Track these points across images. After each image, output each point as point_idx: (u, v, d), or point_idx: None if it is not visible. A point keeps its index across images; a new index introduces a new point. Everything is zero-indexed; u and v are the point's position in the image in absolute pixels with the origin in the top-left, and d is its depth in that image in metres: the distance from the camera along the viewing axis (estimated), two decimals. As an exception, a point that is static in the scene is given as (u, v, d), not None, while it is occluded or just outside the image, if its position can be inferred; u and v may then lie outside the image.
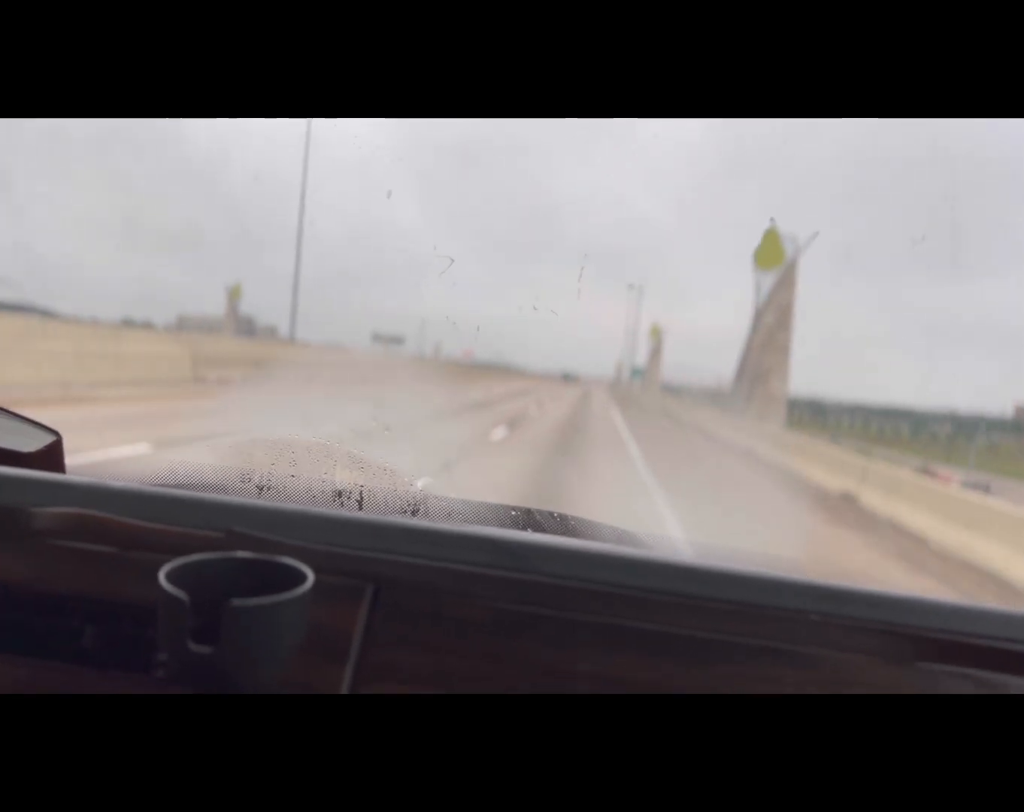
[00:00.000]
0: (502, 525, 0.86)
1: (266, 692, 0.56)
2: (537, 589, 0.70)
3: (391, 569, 0.71)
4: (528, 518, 0.89)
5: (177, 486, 0.82)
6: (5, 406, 0.85)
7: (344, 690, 0.64)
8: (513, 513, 0.89)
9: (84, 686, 0.64)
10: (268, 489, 0.84)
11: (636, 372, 40.39)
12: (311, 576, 0.58)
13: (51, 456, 0.84)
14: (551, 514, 0.90)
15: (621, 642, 0.68)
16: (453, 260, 0.92)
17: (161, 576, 0.55)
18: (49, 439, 0.84)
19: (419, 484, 0.90)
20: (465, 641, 0.67)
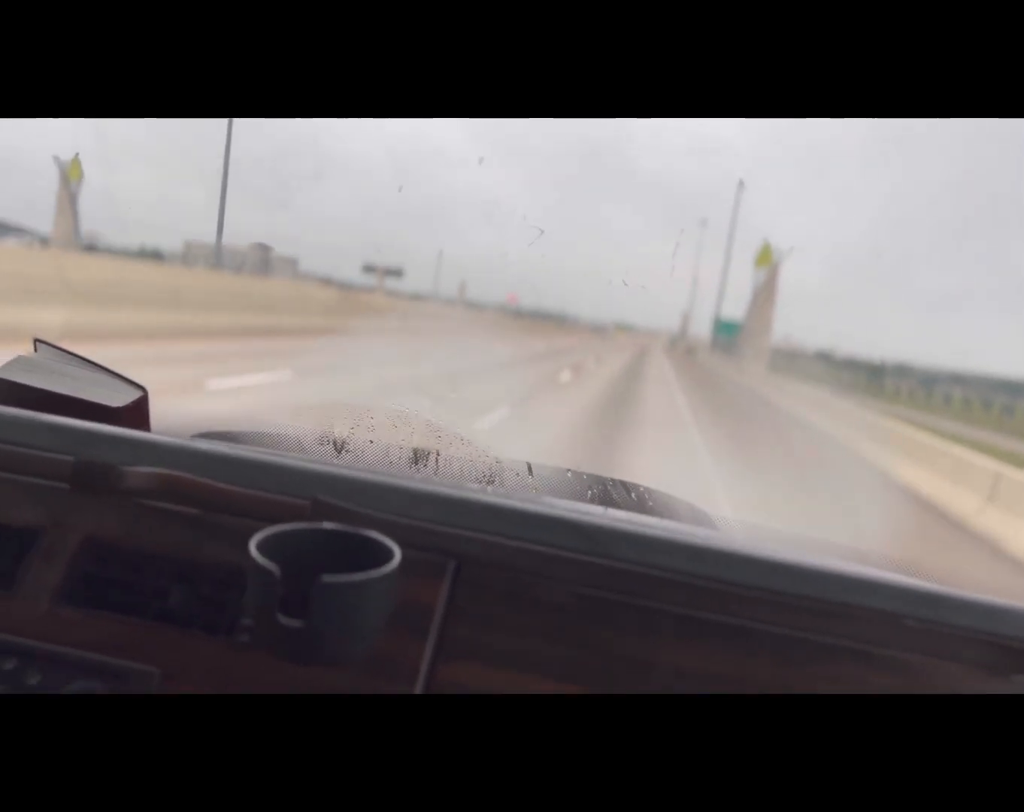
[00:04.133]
0: (577, 496, 0.98)
1: (352, 663, 0.67)
2: (617, 575, 0.77)
3: (472, 546, 0.79)
4: (603, 491, 1.00)
5: (257, 441, 0.94)
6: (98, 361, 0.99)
7: (424, 666, 0.73)
8: (589, 487, 1.00)
9: (169, 645, 0.75)
10: (346, 453, 0.97)
11: (726, 327, 31.13)
12: (398, 552, 0.65)
13: (138, 412, 0.97)
14: (626, 488, 1.01)
15: (702, 635, 0.74)
16: (543, 231, 1.02)
17: (252, 546, 0.62)
18: (136, 394, 0.98)
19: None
20: (545, 624, 0.75)
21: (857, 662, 0.73)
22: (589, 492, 1.01)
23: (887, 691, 0.71)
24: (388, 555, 0.65)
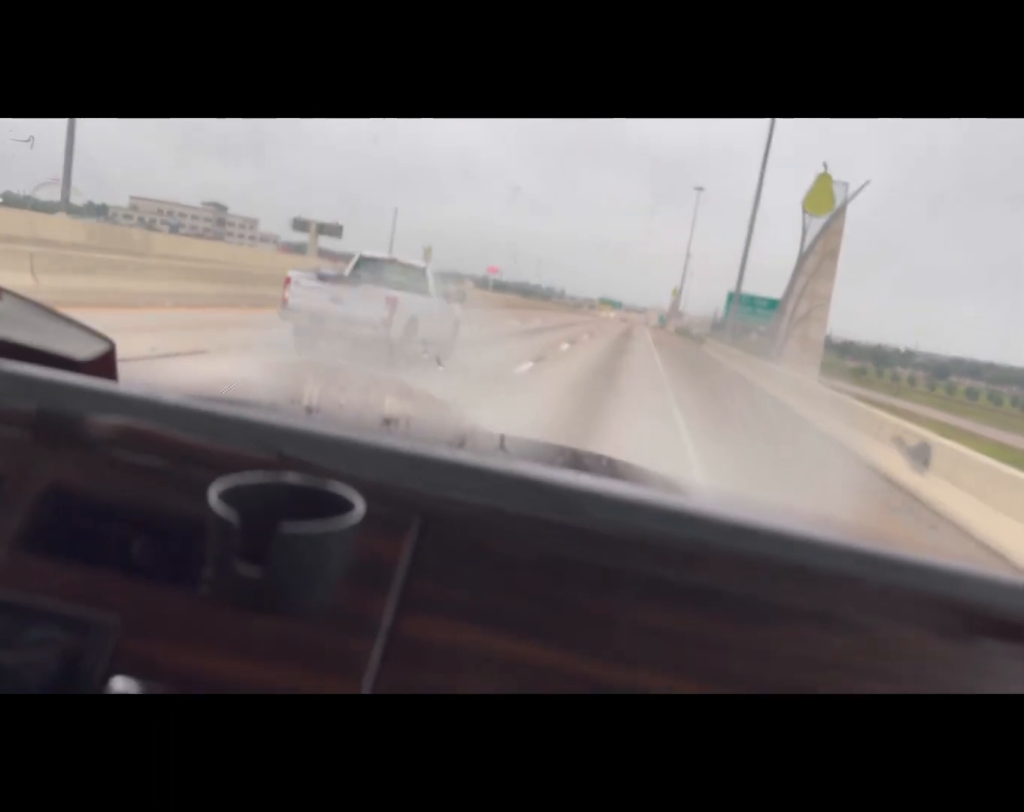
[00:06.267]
0: (548, 464, 1.06)
1: (312, 614, 0.72)
2: (583, 535, 0.83)
3: (438, 503, 0.85)
4: (575, 459, 1.08)
5: (228, 402, 1.01)
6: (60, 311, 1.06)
7: (386, 620, 0.79)
8: (560, 453, 1.09)
9: (130, 596, 0.80)
10: (317, 412, 1.04)
11: (751, 303, 24.38)
12: (361, 505, 0.70)
13: (104, 364, 1.03)
14: (598, 457, 1.10)
15: (665, 594, 0.81)
16: (520, 187, 1.09)
17: (212, 495, 0.67)
18: (103, 346, 1.04)
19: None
20: (510, 581, 0.81)
21: (817, 623, 0.80)
22: (559, 459, 1.09)
23: (846, 651, 0.78)
24: (351, 507, 0.70)
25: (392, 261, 11.88)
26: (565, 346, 18.26)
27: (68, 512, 0.85)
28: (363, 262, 11.91)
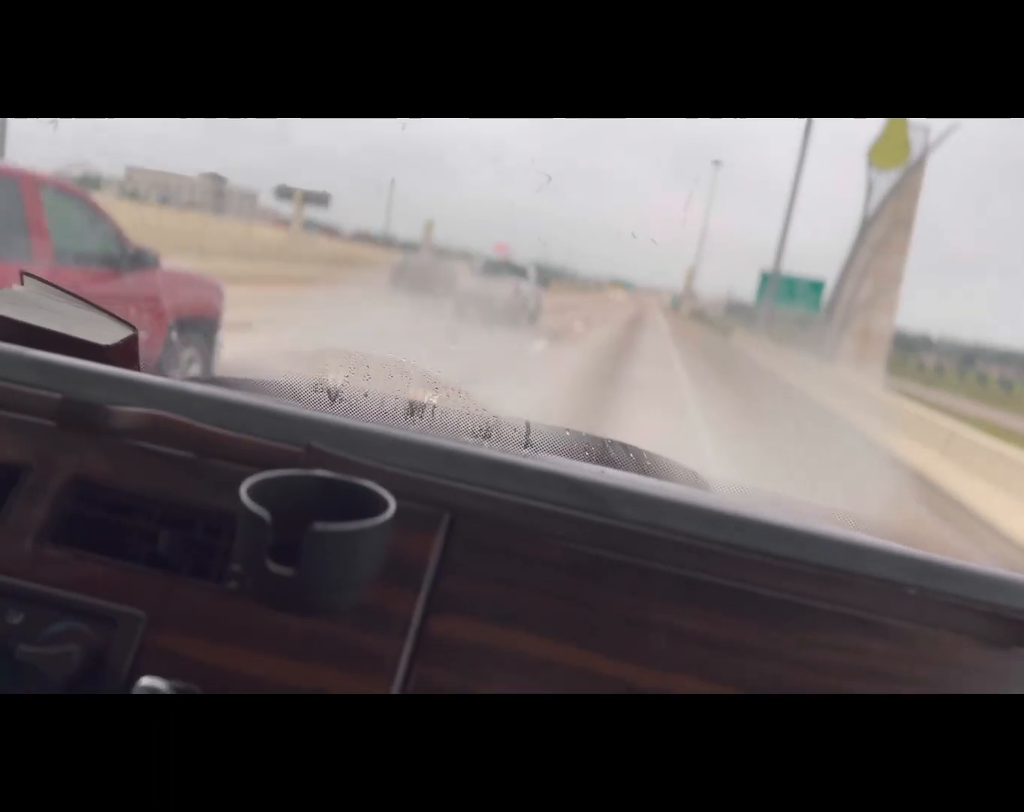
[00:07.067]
0: (575, 456, 1.08)
1: (342, 613, 0.74)
2: (615, 534, 0.85)
3: (468, 499, 0.86)
4: (601, 450, 1.10)
5: (250, 387, 1.03)
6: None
7: (415, 619, 0.80)
8: (587, 447, 1.11)
9: (156, 591, 0.81)
10: (341, 401, 1.06)
11: (793, 287, 20.09)
12: (393, 503, 0.71)
13: (127, 351, 1.06)
14: (625, 449, 1.12)
15: (701, 596, 0.82)
16: (550, 177, 1.11)
17: (243, 491, 0.68)
18: (126, 333, 1.07)
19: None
20: (540, 580, 0.82)
21: (856, 629, 0.80)
22: (587, 451, 1.11)
23: (885, 658, 0.79)
24: (383, 505, 0.71)
25: (506, 262, 18.33)
26: (540, 345, 15.33)
27: (94, 503, 0.87)
28: (488, 263, 18.52)
